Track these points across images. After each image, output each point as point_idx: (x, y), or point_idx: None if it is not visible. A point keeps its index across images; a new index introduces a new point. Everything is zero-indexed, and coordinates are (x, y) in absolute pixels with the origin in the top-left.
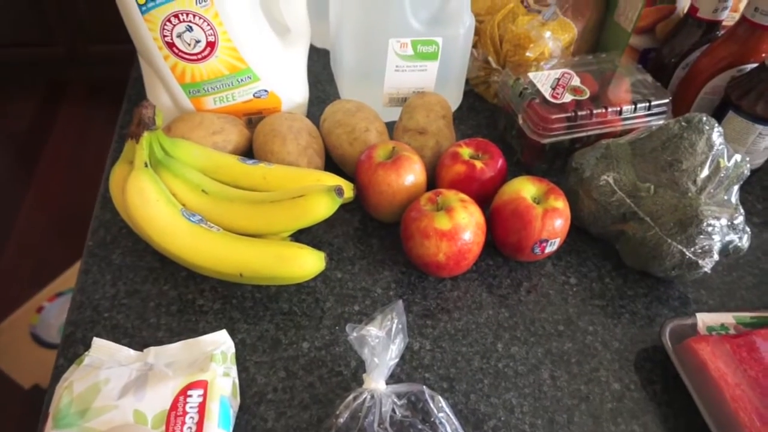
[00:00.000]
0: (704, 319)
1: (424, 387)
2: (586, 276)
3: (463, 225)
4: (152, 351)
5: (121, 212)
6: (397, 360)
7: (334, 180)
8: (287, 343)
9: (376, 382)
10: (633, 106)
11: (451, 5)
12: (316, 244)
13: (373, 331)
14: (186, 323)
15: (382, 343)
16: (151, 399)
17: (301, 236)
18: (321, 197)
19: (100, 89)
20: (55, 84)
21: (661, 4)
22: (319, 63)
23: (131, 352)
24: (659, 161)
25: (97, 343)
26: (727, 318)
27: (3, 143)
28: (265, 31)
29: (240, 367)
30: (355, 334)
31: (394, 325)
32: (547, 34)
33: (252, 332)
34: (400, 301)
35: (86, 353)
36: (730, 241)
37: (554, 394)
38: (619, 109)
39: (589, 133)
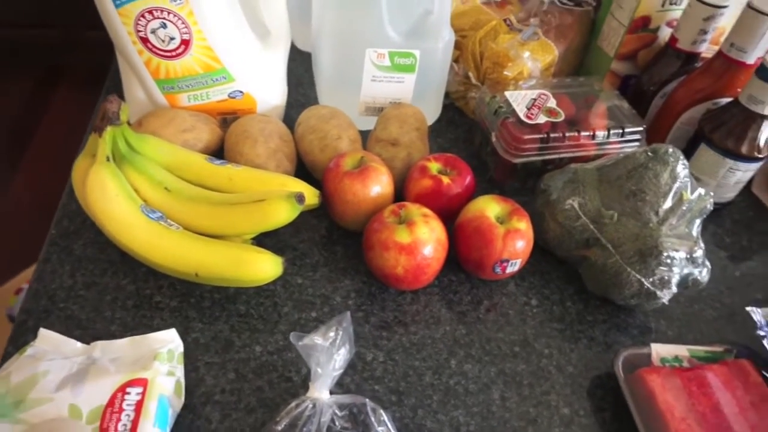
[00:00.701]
0: (658, 350)
1: (367, 400)
2: (547, 298)
3: (423, 240)
4: (99, 345)
5: (83, 205)
6: (341, 371)
7: (298, 186)
8: (240, 346)
9: (319, 391)
10: (606, 132)
11: (431, 19)
12: (280, 248)
13: (317, 340)
14: (141, 319)
15: (325, 353)
16: (88, 394)
17: (266, 239)
18: (281, 203)
19: (97, 75)
20: (52, 68)
21: (643, 32)
22: (302, 66)
23: (77, 344)
24: (624, 189)
25: (43, 333)
26: (682, 350)
27: None
28: (244, 33)
29: (190, 367)
30: (299, 342)
31: (339, 336)
32: (526, 54)
33: (206, 332)
34: (348, 313)
35: (31, 343)
36: (689, 274)
37: (502, 415)
38: (592, 133)
39: (562, 155)
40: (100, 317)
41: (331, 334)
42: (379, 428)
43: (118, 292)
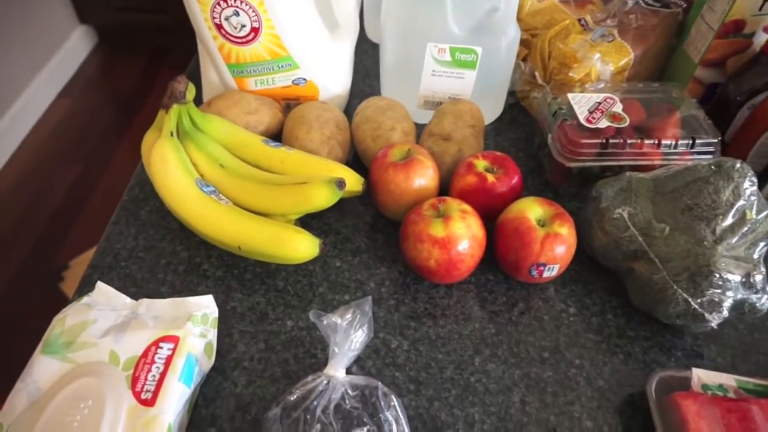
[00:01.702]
0: (701, 375)
1: (380, 384)
2: (587, 308)
3: (457, 235)
4: (144, 303)
5: (148, 174)
6: (357, 352)
7: (343, 172)
8: (273, 318)
9: (335, 369)
10: (674, 141)
11: (496, 16)
12: (324, 230)
13: (334, 320)
14: (188, 284)
15: (342, 333)
16: (127, 343)
17: (312, 220)
18: (321, 187)
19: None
20: (160, 48)
21: (735, 37)
22: (372, 57)
23: (127, 300)
24: (679, 203)
25: (100, 286)
26: (728, 380)
27: (112, 96)
28: (312, 23)
29: (225, 332)
30: (317, 320)
31: (357, 319)
32: (596, 55)
33: (244, 302)
34: (369, 298)
35: (88, 293)
36: (746, 299)
37: (520, 419)
38: (657, 141)
39: (622, 163)
40: (154, 278)
41: (349, 315)
42: (388, 413)
43: (172, 257)
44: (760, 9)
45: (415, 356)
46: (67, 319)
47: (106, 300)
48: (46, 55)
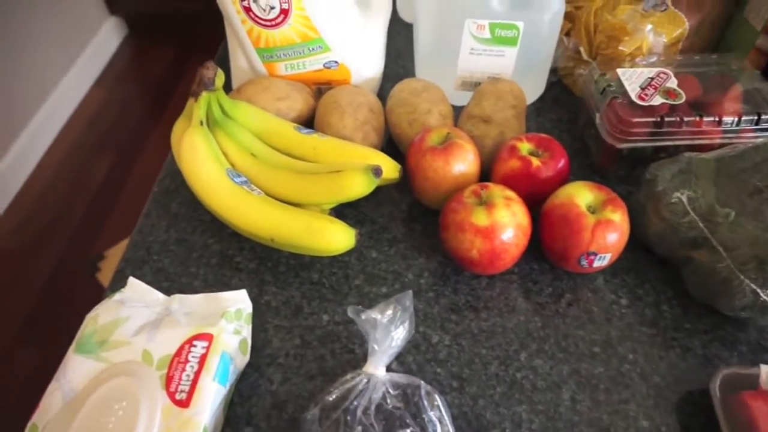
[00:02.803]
0: None
1: (422, 383)
2: (640, 299)
3: (501, 224)
4: (177, 298)
5: (178, 165)
6: (397, 349)
7: (379, 159)
8: (309, 313)
9: (375, 367)
10: (737, 118)
11: None
12: (359, 220)
13: (374, 316)
14: (221, 277)
15: (383, 330)
16: (161, 342)
17: (347, 209)
18: (357, 175)
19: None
20: (192, 36)
21: None
22: (406, 38)
23: (159, 295)
24: (746, 185)
25: (132, 282)
26: None
27: (144, 85)
28: (344, 3)
29: (260, 328)
30: (356, 316)
31: (398, 315)
32: (648, 27)
33: (279, 296)
34: (410, 292)
35: (120, 289)
36: None
37: (570, 418)
38: (717, 119)
39: (678, 143)
40: (186, 272)
41: (390, 311)
42: (432, 412)
43: (204, 250)
44: None
45: (457, 351)
46: (99, 317)
47: (139, 296)
48: (79, 48)
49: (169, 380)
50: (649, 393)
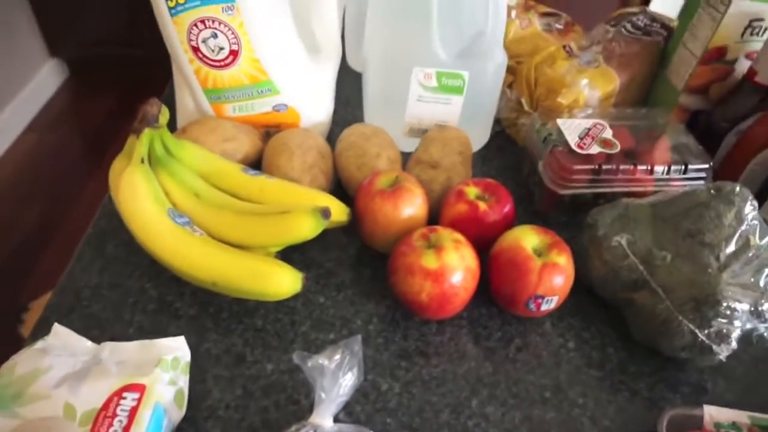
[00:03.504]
0: (712, 413)
1: None
2: (587, 342)
3: (451, 266)
4: (108, 346)
5: (116, 204)
6: (345, 398)
7: (327, 201)
8: (252, 361)
9: (322, 417)
10: (667, 167)
11: (483, 40)
12: (306, 264)
13: (322, 362)
14: (158, 324)
15: (330, 377)
16: (86, 394)
17: (293, 253)
18: (305, 217)
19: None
20: (135, 84)
21: (718, 64)
22: (354, 85)
23: (88, 343)
24: (680, 229)
25: (57, 329)
26: (741, 417)
27: (82, 131)
28: (293, 47)
29: (198, 378)
30: (302, 362)
31: (346, 360)
32: (584, 81)
33: (220, 344)
34: (359, 336)
35: (43, 337)
36: (753, 329)
37: None
38: (650, 167)
39: (615, 189)
40: (120, 319)
41: (337, 356)
42: None
43: (140, 296)
44: (742, 36)
45: (407, 399)
46: (17, 367)
47: (64, 344)
48: (14, 89)
49: None
50: None
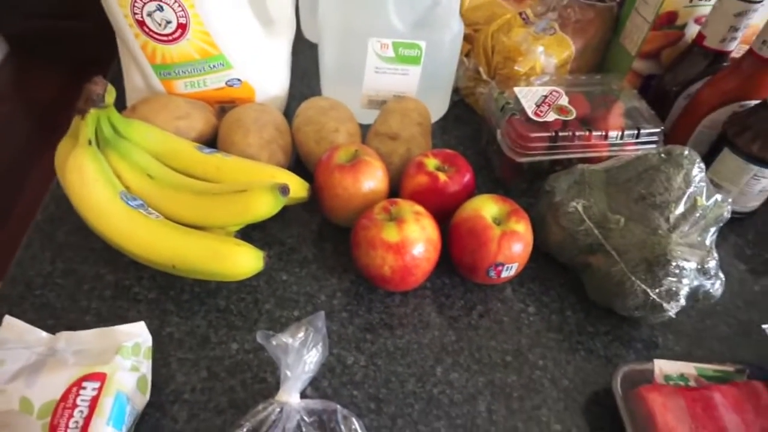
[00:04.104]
0: (662, 367)
1: (338, 407)
2: (546, 306)
3: (412, 239)
4: (64, 336)
5: (64, 189)
6: (311, 374)
7: (286, 177)
8: (216, 342)
9: (288, 394)
10: (620, 133)
11: (439, 9)
12: (267, 242)
13: (285, 340)
14: (117, 310)
15: (295, 354)
16: (42, 387)
17: (254, 232)
18: (263, 194)
19: None
20: (81, 60)
21: (669, 29)
22: (311, 58)
23: (42, 334)
24: (633, 193)
25: (8, 321)
26: (688, 368)
27: (27, 109)
28: (245, 19)
29: (161, 362)
30: (266, 341)
31: (310, 337)
32: (540, 48)
33: (182, 327)
34: (322, 312)
35: None
36: (700, 286)
37: (487, 429)
38: (604, 133)
39: (571, 156)
40: (76, 307)
41: (301, 334)
42: None
43: (96, 282)
44: (691, 1)
45: (373, 372)
46: None
47: (16, 336)
48: None
49: (53, 430)
50: (560, 397)
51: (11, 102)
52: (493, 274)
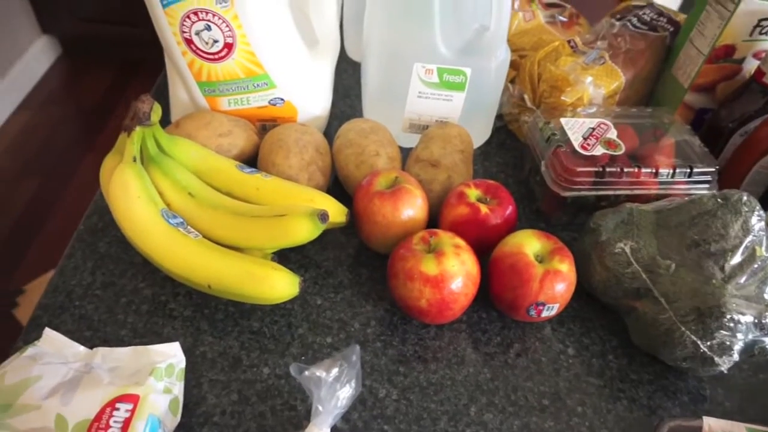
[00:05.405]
0: (711, 424)
1: None
2: (587, 348)
3: (451, 273)
4: (101, 352)
5: (108, 203)
6: (343, 410)
7: (325, 202)
8: (248, 365)
9: (319, 429)
10: (672, 170)
11: (486, 36)
12: (303, 264)
13: (319, 374)
14: (152, 326)
15: (328, 389)
16: (78, 405)
17: (290, 253)
18: (302, 220)
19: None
20: (131, 62)
21: (725, 62)
22: (354, 77)
23: (80, 348)
24: (685, 238)
25: (48, 334)
26: (739, 428)
27: (76, 110)
28: (290, 39)
29: (193, 382)
30: (299, 375)
31: (344, 372)
32: (588, 79)
33: (215, 347)
34: (357, 346)
35: (34, 343)
36: (756, 341)
37: None
38: (654, 170)
39: (618, 192)
40: (113, 319)
41: (335, 369)
42: None
43: (134, 295)
44: (751, 35)
45: (405, 407)
46: (6, 377)
47: (56, 349)
48: (5, 66)
49: None
50: None
51: (61, 102)
52: (533, 313)
